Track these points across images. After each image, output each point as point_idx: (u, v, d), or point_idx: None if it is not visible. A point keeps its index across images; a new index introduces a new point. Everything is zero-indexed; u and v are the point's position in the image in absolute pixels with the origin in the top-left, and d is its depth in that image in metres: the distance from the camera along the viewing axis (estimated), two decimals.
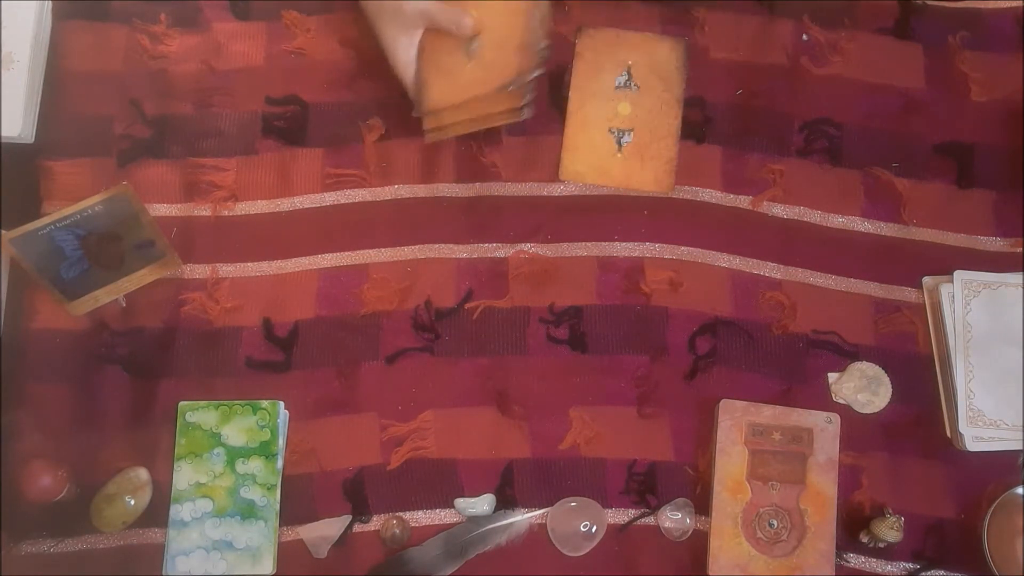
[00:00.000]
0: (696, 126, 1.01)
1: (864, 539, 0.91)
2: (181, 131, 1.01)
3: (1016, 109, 1.02)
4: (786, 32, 1.03)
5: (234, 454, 0.93)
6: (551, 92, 1.01)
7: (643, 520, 0.93)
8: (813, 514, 0.91)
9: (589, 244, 0.98)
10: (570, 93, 0.99)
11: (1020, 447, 0.92)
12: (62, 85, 1.01)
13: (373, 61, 1.02)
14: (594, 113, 0.99)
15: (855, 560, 0.92)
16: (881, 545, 0.90)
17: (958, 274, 0.96)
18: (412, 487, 0.93)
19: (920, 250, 0.99)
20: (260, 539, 0.91)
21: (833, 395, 0.95)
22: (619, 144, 0.98)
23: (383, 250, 0.99)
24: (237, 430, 0.93)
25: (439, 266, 0.98)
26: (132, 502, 0.91)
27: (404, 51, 0.93)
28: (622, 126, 0.98)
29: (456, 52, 0.92)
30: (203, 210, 1.00)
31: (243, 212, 1.00)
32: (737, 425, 0.92)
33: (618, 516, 0.93)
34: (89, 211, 0.92)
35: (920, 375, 0.96)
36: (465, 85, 0.91)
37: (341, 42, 1.03)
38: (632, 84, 1.00)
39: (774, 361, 0.96)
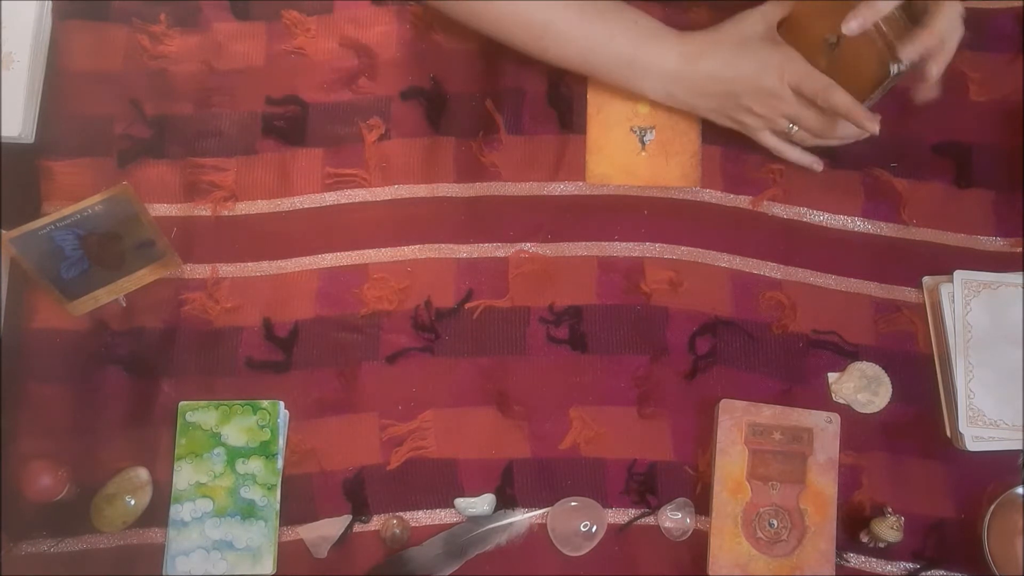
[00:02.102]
0: None
1: (864, 539, 0.91)
2: (181, 131, 1.01)
3: (1015, 109, 1.02)
4: None
5: (234, 454, 0.93)
6: (549, 91, 1.01)
7: (643, 520, 0.93)
8: (813, 514, 0.91)
9: (589, 244, 0.98)
10: (588, 96, 1.00)
11: (1020, 447, 0.92)
12: (62, 85, 1.01)
13: (373, 61, 1.02)
14: (614, 114, 0.99)
15: (855, 560, 0.92)
16: (881, 545, 0.90)
17: (958, 274, 0.96)
18: (412, 487, 0.93)
19: (920, 250, 0.99)
20: (260, 539, 0.91)
21: (833, 395, 0.95)
22: (642, 142, 0.98)
23: (383, 250, 0.99)
24: (237, 430, 0.93)
25: (439, 266, 0.98)
26: (132, 502, 0.91)
27: None
28: (643, 124, 0.98)
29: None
30: (203, 210, 1.00)
31: (243, 212, 1.00)
32: (737, 425, 0.92)
33: (618, 516, 0.93)
34: (89, 211, 0.92)
35: (920, 375, 0.96)
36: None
37: (341, 42, 1.03)
38: None
39: (774, 361, 0.96)
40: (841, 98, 0.86)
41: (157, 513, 0.92)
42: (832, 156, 1.00)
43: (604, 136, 1.00)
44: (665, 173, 0.99)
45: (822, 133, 0.92)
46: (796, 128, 0.91)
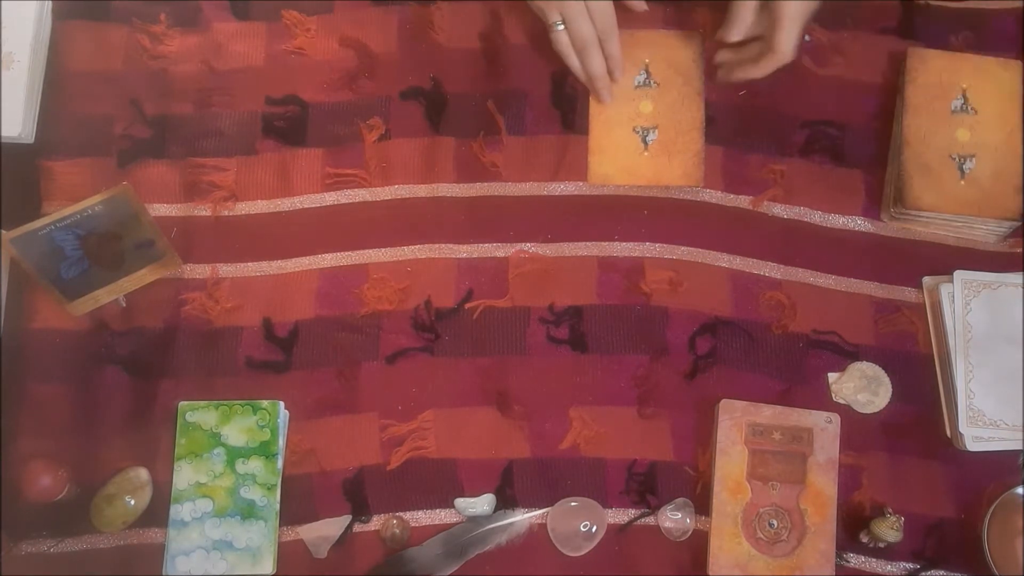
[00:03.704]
0: None
1: (864, 539, 0.91)
2: (181, 131, 1.01)
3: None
4: None
5: (234, 454, 0.93)
6: (553, 91, 1.01)
7: (643, 520, 0.93)
8: (813, 514, 0.91)
9: (589, 244, 0.98)
10: (591, 97, 1.00)
11: (1020, 447, 0.92)
12: (62, 85, 1.01)
13: (373, 61, 1.02)
14: (617, 115, 1.00)
15: (855, 560, 0.92)
16: (881, 545, 0.90)
17: (958, 274, 0.96)
18: (412, 487, 0.93)
19: (920, 250, 0.99)
20: (260, 539, 0.91)
21: (833, 395, 0.95)
22: (645, 142, 0.98)
23: (383, 250, 0.99)
24: (237, 430, 0.93)
25: (439, 266, 0.98)
26: (132, 502, 0.91)
27: None
28: (646, 124, 0.98)
29: (948, 164, 0.95)
30: (203, 210, 1.00)
31: (243, 212, 1.00)
32: (737, 425, 0.92)
33: (618, 516, 0.93)
34: (89, 211, 0.92)
35: (920, 375, 0.96)
36: (957, 198, 0.95)
37: (341, 42, 1.03)
38: (651, 81, 1.00)
39: (774, 361, 0.96)
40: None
41: (157, 513, 0.92)
42: (835, 156, 1.00)
43: (606, 136, 1.00)
44: (668, 173, 0.98)
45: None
46: (562, 27, 0.92)
